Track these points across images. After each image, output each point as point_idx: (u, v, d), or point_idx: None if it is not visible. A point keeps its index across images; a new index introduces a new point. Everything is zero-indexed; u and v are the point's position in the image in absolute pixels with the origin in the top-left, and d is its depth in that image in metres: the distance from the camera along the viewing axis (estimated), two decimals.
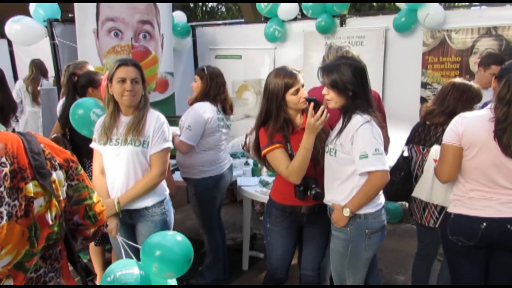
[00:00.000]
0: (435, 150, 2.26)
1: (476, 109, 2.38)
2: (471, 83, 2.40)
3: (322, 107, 1.91)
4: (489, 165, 1.85)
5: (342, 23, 4.26)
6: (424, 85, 4.03)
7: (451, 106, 2.29)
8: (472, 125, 1.87)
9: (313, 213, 2.13)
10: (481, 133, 1.84)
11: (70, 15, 4.83)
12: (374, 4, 13.03)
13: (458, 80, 2.41)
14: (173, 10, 4.61)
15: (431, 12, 3.67)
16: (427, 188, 2.28)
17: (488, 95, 2.82)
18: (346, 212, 1.92)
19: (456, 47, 3.83)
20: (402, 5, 3.85)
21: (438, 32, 3.87)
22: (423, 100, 4.05)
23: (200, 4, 15.72)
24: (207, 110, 2.75)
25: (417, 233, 2.65)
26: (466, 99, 2.30)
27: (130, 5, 3.96)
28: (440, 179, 2.05)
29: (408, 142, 2.50)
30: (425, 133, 2.39)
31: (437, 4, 3.76)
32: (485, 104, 2.74)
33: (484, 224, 1.87)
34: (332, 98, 1.94)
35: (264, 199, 2.78)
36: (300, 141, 1.97)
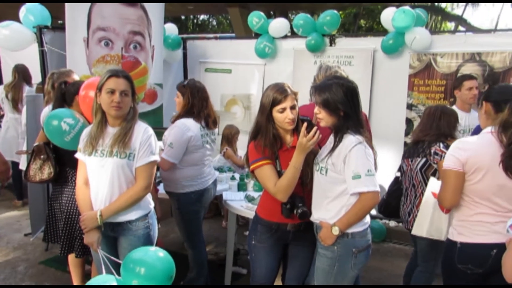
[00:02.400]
0: (432, 183, 2.29)
1: (460, 133, 2.47)
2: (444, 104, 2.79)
3: (314, 128, 1.92)
4: (494, 188, 1.83)
5: (332, 42, 4.33)
6: (409, 107, 4.11)
7: (423, 126, 2.66)
8: (476, 151, 1.84)
9: (299, 230, 2.12)
10: (486, 157, 1.82)
11: (60, 22, 4.78)
12: (363, 25, 13.35)
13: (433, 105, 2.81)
14: (165, 22, 4.63)
15: (418, 36, 3.77)
16: (425, 223, 2.29)
17: (475, 117, 2.91)
18: (335, 231, 1.92)
19: (441, 70, 3.93)
20: (390, 28, 3.95)
21: (424, 56, 3.97)
22: (408, 121, 4.13)
23: (191, 16, 15.83)
24: (190, 128, 2.71)
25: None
26: (438, 117, 2.58)
27: (121, 15, 3.96)
28: (444, 204, 2.02)
29: (402, 158, 2.82)
30: (412, 149, 2.72)
31: (423, 29, 3.87)
32: (477, 129, 2.85)
33: (494, 251, 1.82)
34: (323, 118, 1.96)
35: (250, 214, 2.75)
36: (290, 159, 1.97)
